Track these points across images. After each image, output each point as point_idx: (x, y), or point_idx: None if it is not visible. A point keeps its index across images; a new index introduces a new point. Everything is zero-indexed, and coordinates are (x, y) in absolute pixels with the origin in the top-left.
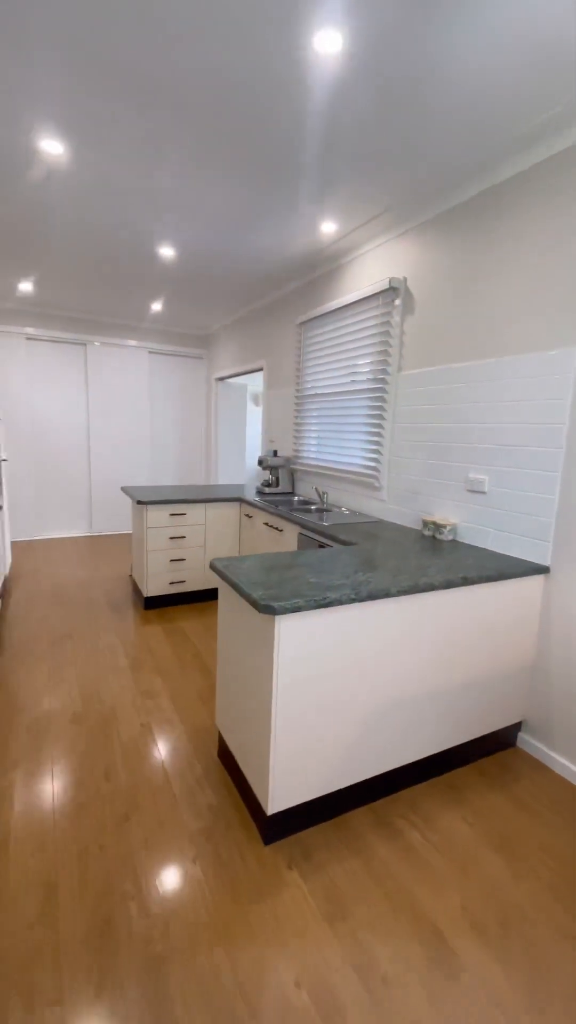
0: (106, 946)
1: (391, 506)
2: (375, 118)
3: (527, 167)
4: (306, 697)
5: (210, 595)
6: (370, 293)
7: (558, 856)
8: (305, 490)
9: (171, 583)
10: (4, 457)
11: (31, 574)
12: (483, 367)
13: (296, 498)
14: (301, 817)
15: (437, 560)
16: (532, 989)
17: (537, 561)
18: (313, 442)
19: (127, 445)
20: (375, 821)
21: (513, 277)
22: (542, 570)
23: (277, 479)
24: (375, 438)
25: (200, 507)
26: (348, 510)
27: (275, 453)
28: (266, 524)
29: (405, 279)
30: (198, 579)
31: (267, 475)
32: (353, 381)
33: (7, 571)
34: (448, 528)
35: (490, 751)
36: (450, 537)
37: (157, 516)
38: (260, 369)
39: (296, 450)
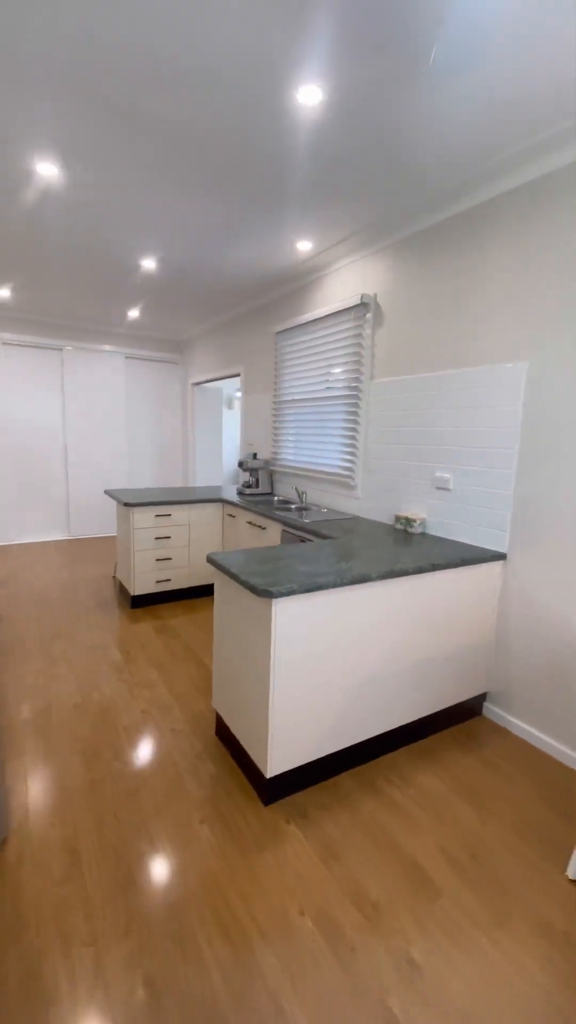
0: (130, 896)
1: (366, 504)
2: (349, 157)
3: (478, 203)
4: (299, 672)
5: (196, 592)
6: (343, 307)
7: (518, 803)
8: (284, 490)
9: (157, 582)
10: None
11: (13, 578)
12: (447, 377)
13: (276, 498)
14: (296, 780)
15: (409, 550)
16: (496, 907)
17: (496, 549)
18: (291, 445)
19: (104, 449)
20: (361, 782)
21: (471, 300)
22: (500, 556)
23: (257, 480)
24: (350, 441)
25: (184, 508)
26: (326, 508)
27: (255, 455)
28: (249, 523)
29: (375, 295)
30: (183, 577)
31: (247, 476)
32: (328, 388)
33: None
34: (418, 522)
35: (459, 719)
36: (420, 530)
37: (143, 518)
38: (237, 374)
39: (275, 452)
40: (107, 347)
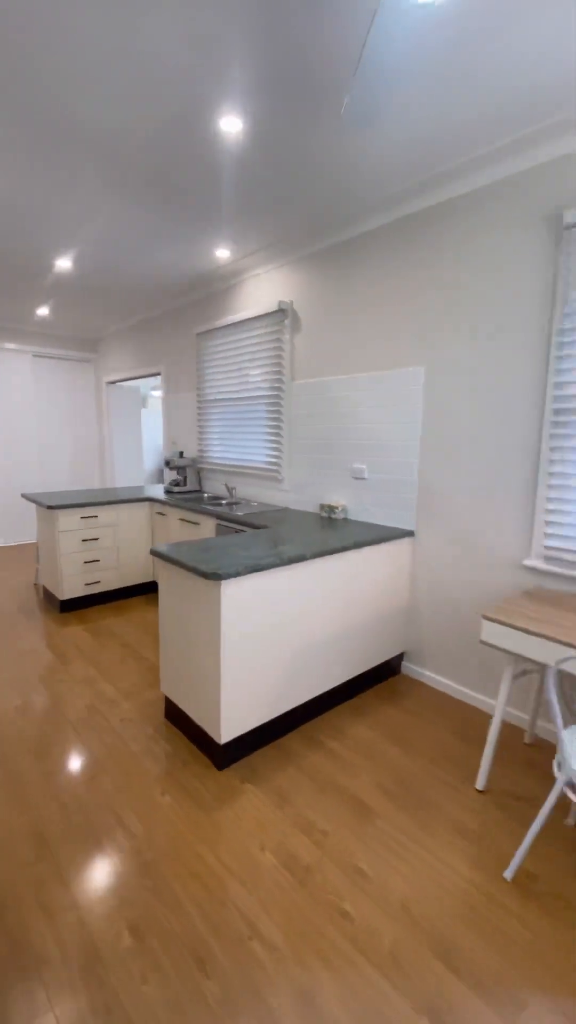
0: (104, 863)
1: (293, 495)
2: (265, 179)
3: (376, 227)
4: (246, 645)
5: (127, 593)
6: (262, 312)
7: (435, 739)
8: (213, 487)
9: (87, 584)
10: None
11: None
12: (359, 380)
13: (206, 495)
14: (247, 744)
15: (334, 533)
16: (423, 821)
17: (406, 527)
18: (218, 442)
19: (13, 451)
20: (304, 740)
21: (376, 313)
22: (409, 534)
23: (185, 478)
24: (275, 438)
25: (111, 509)
26: (257, 502)
27: (181, 454)
28: (182, 519)
29: (292, 302)
30: (113, 579)
31: (175, 475)
32: (251, 389)
33: None
34: (340, 509)
35: (383, 678)
36: (342, 516)
37: (68, 520)
38: (157, 374)
39: (201, 450)
40: (11, 345)
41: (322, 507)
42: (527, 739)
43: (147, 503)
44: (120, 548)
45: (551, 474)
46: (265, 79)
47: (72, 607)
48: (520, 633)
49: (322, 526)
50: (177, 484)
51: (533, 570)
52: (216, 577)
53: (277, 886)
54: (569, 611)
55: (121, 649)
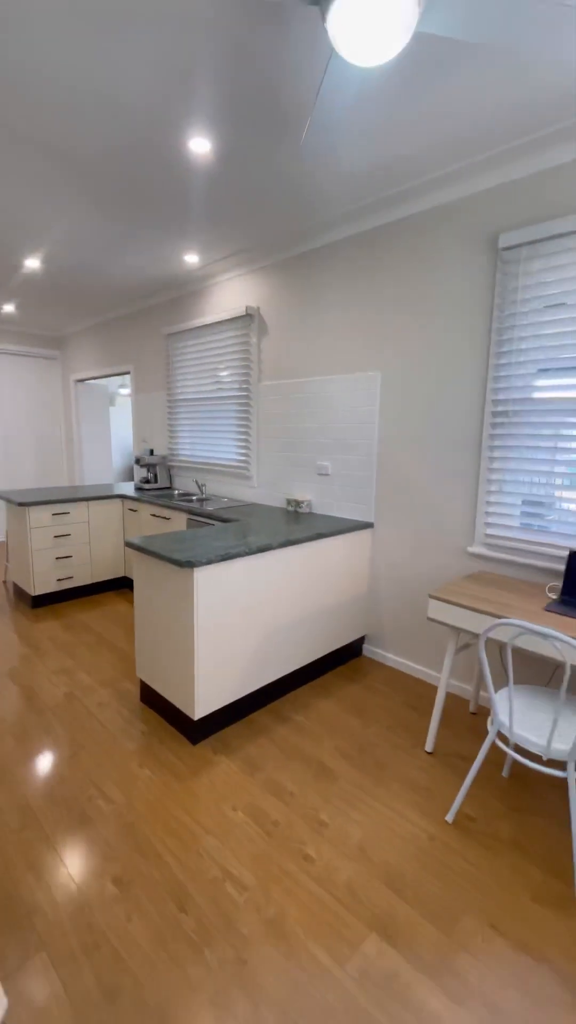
0: (87, 827)
1: (261, 491)
2: (231, 194)
3: (334, 241)
4: (217, 629)
5: (100, 588)
6: (231, 316)
7: (391, 711)
8: (183, 484)
9: (59, 580)
10: None
11: None
12: (322, 382)
13: (176, 491)
14: (219, 720)
15: (300, 525)
16: (378, 777)
17: (365, 520)
18: (188, 441)
19: None
20: (273, 715)
21: (335, 320)
22: (369, 525)
23: (156, 475)
24: (244, 437)
25: (83, 505)
26: (227, 498)
27: (151, 452)
28: (153, 515)
29: (259, 307)
30: (86, 574)
31: (145, 472)
32: (221, 389)
33: None
34: (305, 503)
35: (346, 659)
36: (307, 510)
37: (39, 516)
38: (126, 372)
39: (172, 448)
40: None
41: (289, 502)
42: (472, 708)
43: (118, 500)
44: (93, 543)
45: (491, 470)
46: (231, 107)
47: (44, 602)
48: (458, 608)
49: (288, 519)
50: (148, 481)
51: (477, 556)
52: (189, 565)
53: (247, 838)
54: (503, 590)
55: (96, 641)
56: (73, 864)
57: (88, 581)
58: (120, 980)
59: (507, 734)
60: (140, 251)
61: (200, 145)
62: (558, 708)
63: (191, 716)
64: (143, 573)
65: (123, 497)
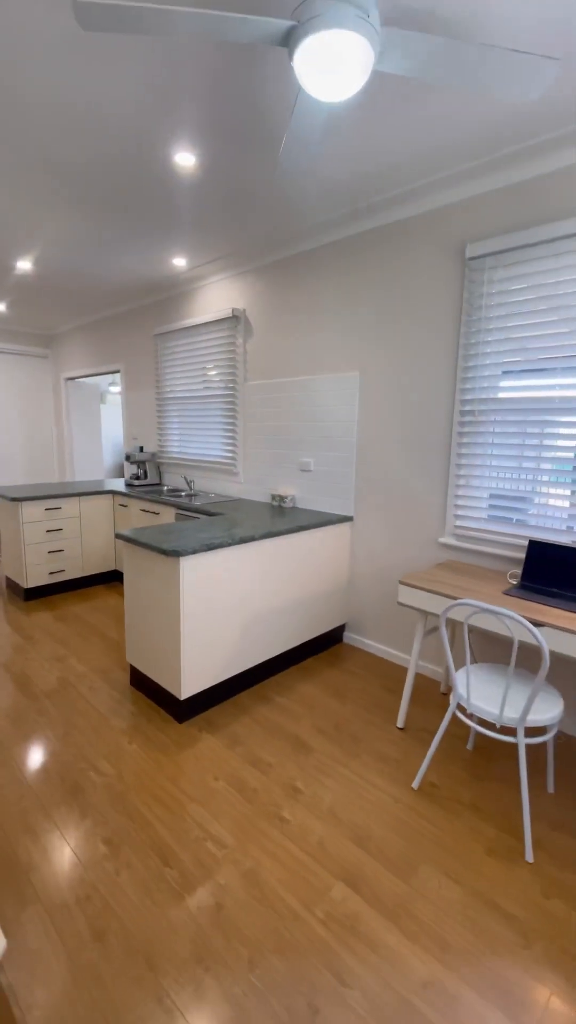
0: (80, 796)
1: (247, 487)
2: (216, 203)
3: (317, 247)
4: (203, 614)
5: (91, 581)
6: (217, 318)
7: (367, 692)
8: (172, 480)
9: (51, 573)
10: None
11: None
12: (305, 382)
13: (165, 487)
14: (204, 701)
15: (283, 518)
16: (351, 751)
17: (345, 513)
18: (176, 438)
19: None
20: (256, 697)
21: (317, 323)
22: (348, 519)
23: (145, 472)
24: (230, 434)
25: (74, 500)
26: (214, 493)
27: (141, 449)
28: (143, 510)
29: (244, 310)
30: (77, 567)
31: (135, 469)
32: (208, 388)
33: None
34: (288, 498)
35: (327, 646)
36: (291, 505)
37: (32, 511)
38: (117, 371)
39: (161, 445)
40: None
41: (273, 497)
42: (443, 689)
43: (109, 495)
44: (84, 538)
45: (459, 465)
46: (214, 126)
47: (37, 595)
48: (424, 592)
49: (272, 513)
50: (137, 478)
51: (447, 546)
52: (175, 554)
53: (228, 803)
54: (468, 576)
55: (88, 631)
56: (67, 828)
57: (80, 574)
58: (109, 923)
59: (465, 705)
60: (130, 255)
61: (185, 159)
62: (508, 680)
63: (178, 696)
64: (133, 563)
65: (114, 493)
